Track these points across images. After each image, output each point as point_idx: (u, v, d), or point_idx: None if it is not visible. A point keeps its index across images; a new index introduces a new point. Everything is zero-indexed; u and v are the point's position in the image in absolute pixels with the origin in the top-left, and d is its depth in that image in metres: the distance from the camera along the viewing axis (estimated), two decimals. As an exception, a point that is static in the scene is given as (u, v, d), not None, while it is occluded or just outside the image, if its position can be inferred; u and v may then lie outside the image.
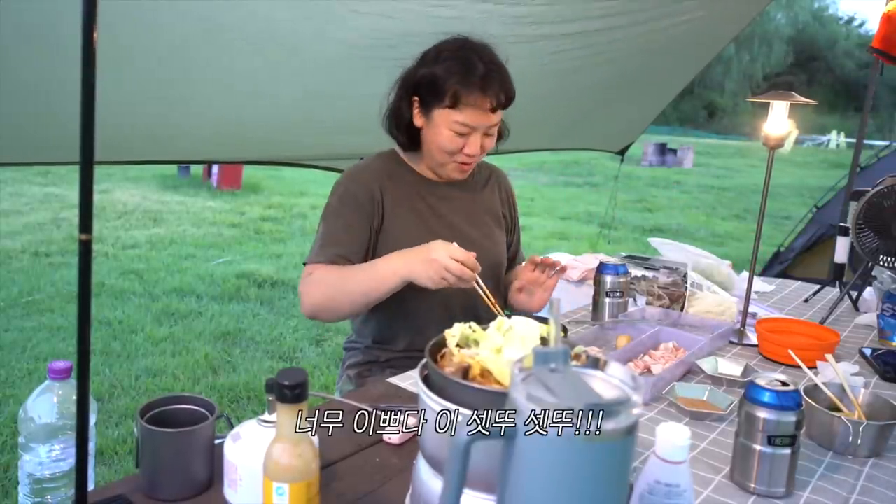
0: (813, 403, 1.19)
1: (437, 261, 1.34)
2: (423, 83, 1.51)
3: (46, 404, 0.90)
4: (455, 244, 1.37)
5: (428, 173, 1.65)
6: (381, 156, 1.67)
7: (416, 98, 1.53)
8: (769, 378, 1.04)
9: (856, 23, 45.21)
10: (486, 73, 1.46)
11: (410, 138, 1.59)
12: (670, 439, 0.77)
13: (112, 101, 1.80)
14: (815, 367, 1.49)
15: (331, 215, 1.57)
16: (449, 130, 1.49)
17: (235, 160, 3.63)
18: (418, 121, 1.55)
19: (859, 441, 1.13)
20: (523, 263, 1.68)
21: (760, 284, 2.34)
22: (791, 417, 1.00)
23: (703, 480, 1.04)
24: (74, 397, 0.89)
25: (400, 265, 1.40)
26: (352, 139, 2.67)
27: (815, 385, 1.27)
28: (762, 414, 1.00)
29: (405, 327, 1.62)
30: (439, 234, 1.46)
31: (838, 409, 1.23)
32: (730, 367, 1.46)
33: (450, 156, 1.53)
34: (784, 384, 1.02)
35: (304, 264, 1.54)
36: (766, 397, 1.00)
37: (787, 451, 1.00)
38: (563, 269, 1.60)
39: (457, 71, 1.46)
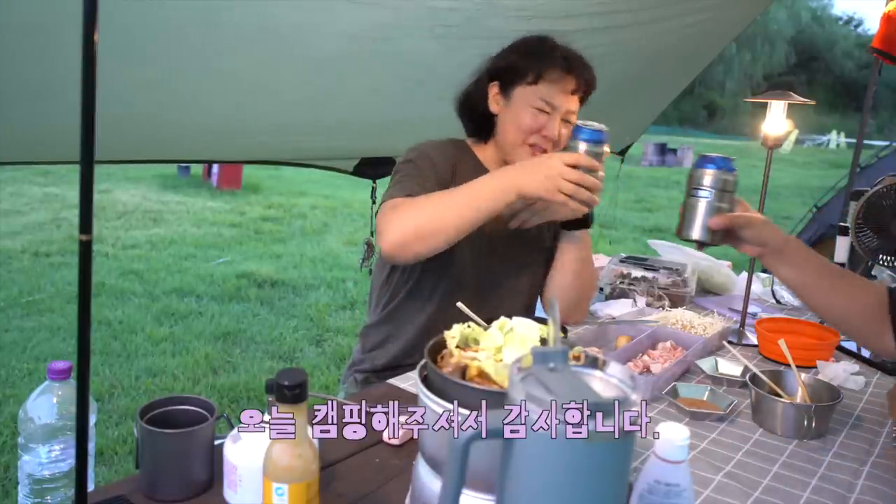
0: (764, 393, 1.24)
1: (552, 176, 1.27)
2: (504, 66, 1.51)
3: (46, 405, 0.90)
4: (566, 154, 1.31)
5: (490, 165, 1.59)
6: (452, 140, 1.62)
7: (495, 82, 1.52)
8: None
9: (854, 23, 45.29)
10: (569, 55, 1.49)
11: (481, 126, 1.57)
12: (670, 439, 0.77)
13: (111, 99, 1.81)
14: (816, 367, 1.50)
15: (409, 167, 1.50)
16: (530, 108, 1.46)
17: (235, 160, 3.63)
18: (495, 106, 1.53)
19: (813, 424, 1.18)
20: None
21: (760, 284, 2.33)
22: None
23: (703, 480, 1.04)
24: (74, 397, 0.89)
25: (515, 179, 1.30)
26: (352, 140, 2.67)
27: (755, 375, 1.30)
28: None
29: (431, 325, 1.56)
30: (476, 242, 1.44)
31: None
32: (729, 367, 1.46)
33: (526, 136, 1.48)
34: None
35: (382, 202, 1.44)
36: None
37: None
38: None
39: (539, 51, 1.48)
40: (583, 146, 1.31)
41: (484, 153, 1.61)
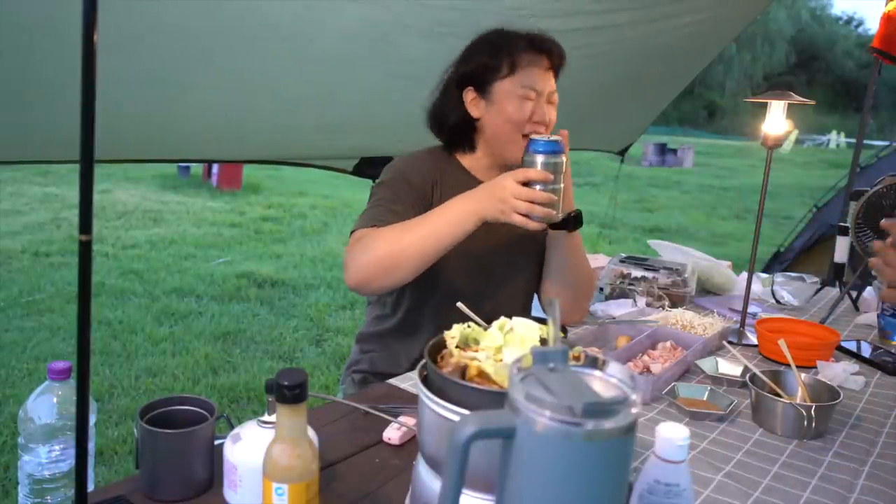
0: (764, 393, 1.24)
1: (504, 198, 1.25)
2: (473, 69, 1.49)
3: (46, 405, 0.90)
4: (517, 171, 1.27)
5: (478, 172, 1.56)
6: (433, 151, 1.59)
7: (469, 88, 1.49)
8: None
9: (854, 23, 45.33)
10: (532, 36, 1.48)
11: (459, 136, 1.54)
12: (670, 439, 0.77)
13: (111, 99, 1.81)
14: (816, 367, 1.50)
15: (382, 189, 1.48)
16: (515, 98, 1.44)
17: (235, 160, 3.63)
18: (476, 110, 1.49)
19: (813, 424, 1.18)
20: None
21: (760, 284, 2.33)
22: None
23: (703, 480, 1.04)
24: (74, 397, 0.89)
25: (472, 205, 1.29)
26: (352, 140, 2.67)
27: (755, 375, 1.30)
28: None
29: (430, 324, 1.54)
30: (469, 251, 1.39)
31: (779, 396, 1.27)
32: (729, 367, 1.46)
33: (518, 128, 1.45)
34: None
35: (351, 233, 1.42)
36: None
37: None
38: None
39: (503, 42, 1.47)
40: (539, 158, 1.28)
41: (470, 161, 1.57)
